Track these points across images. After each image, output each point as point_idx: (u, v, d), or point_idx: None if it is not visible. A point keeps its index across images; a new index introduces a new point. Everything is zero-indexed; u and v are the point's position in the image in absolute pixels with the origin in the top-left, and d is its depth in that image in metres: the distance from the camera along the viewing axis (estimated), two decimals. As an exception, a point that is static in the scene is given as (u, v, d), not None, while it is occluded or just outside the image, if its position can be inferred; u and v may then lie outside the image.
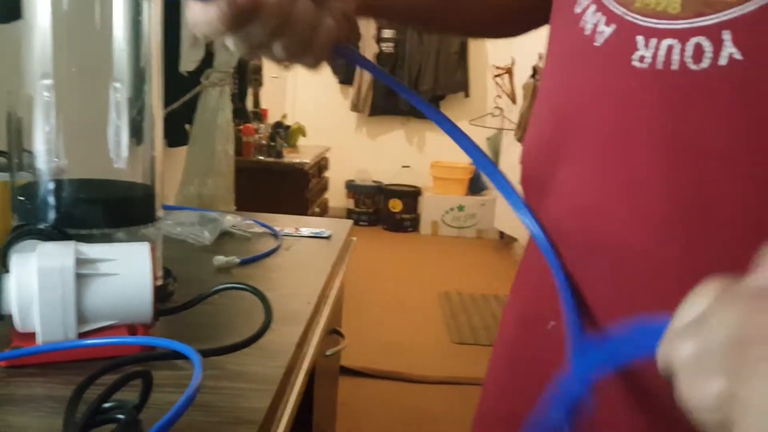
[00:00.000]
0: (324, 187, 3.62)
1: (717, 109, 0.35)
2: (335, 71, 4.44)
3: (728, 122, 0.35)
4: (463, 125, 4.76)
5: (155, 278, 0.52)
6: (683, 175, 0.36)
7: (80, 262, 0.50)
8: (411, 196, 4.47)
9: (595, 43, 0.40)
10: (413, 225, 4.48)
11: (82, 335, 0.50)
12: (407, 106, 4.39)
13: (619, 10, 0.39)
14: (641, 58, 0.37)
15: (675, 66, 0.36)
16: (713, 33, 0.35)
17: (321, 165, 3.45)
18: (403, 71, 4.29)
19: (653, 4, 0.37)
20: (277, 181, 2.88)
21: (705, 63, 0.35)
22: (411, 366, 2.33)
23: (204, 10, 0.38)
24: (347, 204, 4.58)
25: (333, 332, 1.11)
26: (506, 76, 3.88)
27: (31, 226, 0.58)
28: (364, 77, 4.32)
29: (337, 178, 4.18)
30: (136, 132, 0.69)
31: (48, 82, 0.64)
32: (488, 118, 4.25)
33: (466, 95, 4.40)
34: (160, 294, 0.64)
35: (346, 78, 4.44)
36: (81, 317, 0.50)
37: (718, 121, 0.35)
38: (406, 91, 0.49)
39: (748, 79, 0.34)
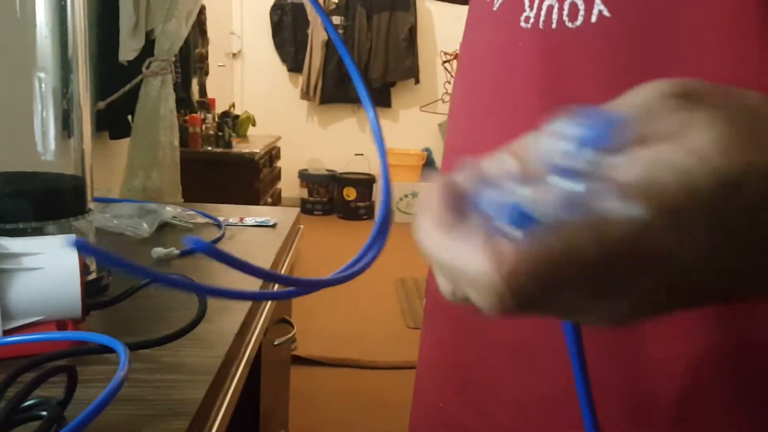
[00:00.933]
0: (276, 177, 3.58)
1: (589, 64, 0.37)
2: (283, 59, 4.39)
3: (600, 76, 0.37)
4: (414, 111, 4.82)
5: (86, 272, 0.51)
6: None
7: (2, 257, 0.48)
8: (365, 184, 4.47)
9: (493, 8, 0.43)
10: (368, 213, 4.48)
11: (8, 332, 0.49)
12: (357, 94, 4.37)
13: None
14: (527, 19, 0.40)
15: (554, 25, 0.38)
16: None
17: (272, 154, 3.40)
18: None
19: None
20: (226, 172, 2.83)
21: (579, 21, 0.37)
22: (366, 353, 2.35)
23: None
24: (301, 193, 4.55)
25: (282, 321, 1.11)
26: (455, 62, 3.90)
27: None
28: (313, 64, 4.28)
29: (289, 167, 4.14)
30: (65, 123, 0.66)
31: None
32: (439, 104, 4.28)
33: (417, 82, 4.41)
34: (94, 288, 0.62)
35: (295, 65, 4.39)
36: (5, 314, 0.48)
37: (591, 75, 0.37)
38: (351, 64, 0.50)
39: (615, 34, 0.36)
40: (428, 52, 4.39)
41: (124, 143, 2.08)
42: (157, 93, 1.95)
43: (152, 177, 2.00)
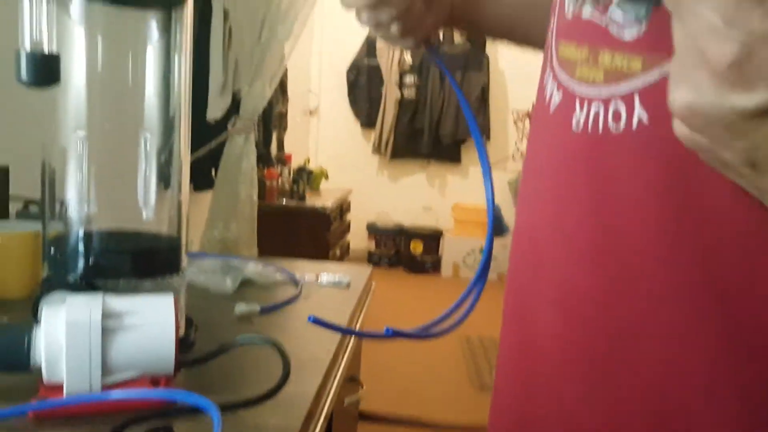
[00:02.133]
0: (345, 230, 3.65)
1: (632, 169, 0.40)
2: (357, 115, 4.53)
3: (641, 180, 0.39)
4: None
5: (178, 330, 0.54)
6: (604, 221, 0.42)
7: (106, 315, 0.52)
8: (432, 238, 4.47)
9: (549, 112, 0.46)
10: (434, 267, 4.46)
11: (106, 387, 0.52)
12: (428, 149, 4.44)
13: (565, 77, 0.45)
14: (577, 123, 0.43)
15: (600, 130, 0.41)
16: (627, 98, 0.40)
17: (343, 208, 3.48)
18: (424, 115, 4.36)
19: (586, 74, 0.43)
20: (299, 225, 2.91)
21: (621, 127, 0.40)
22: (431, 412, 2.30)
23: None
24: (368, 245, 4.60)
25: (351, 380, 1.11)
26: (526, 120, 3.91)
27: (61, 277, 0.60)
28: (386, 121, 4.40)
29: (358, 219, 4.21)
30: (164, 179, 0.71)
31: (81, 134, 0.66)
32: (509, 161, 4.27)
33: (487, 138, 4.44)
34: (182, 344, 0.65)
35: (368, 121, 4.51)
36: (106, 369, 0.51)
37: (633, 180, 0.40)
38: (465, 104, 0.64)
39: (652, 143, 0.39)
40: (500, 110, 4.42)
41: (206, 196, 2.19)
42: (240, 150, 2.06)
43: (231, 228, 2.09)
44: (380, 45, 4.32)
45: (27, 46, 0.48)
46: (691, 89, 0.28)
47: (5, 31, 0.79)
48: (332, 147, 4.52)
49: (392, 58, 4.29)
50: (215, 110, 2.07)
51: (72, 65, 0.62)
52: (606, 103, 0.41)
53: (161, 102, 0.71)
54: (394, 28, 0.60)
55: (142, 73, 0.69)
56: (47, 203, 0.70)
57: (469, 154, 4.51)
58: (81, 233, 0.65)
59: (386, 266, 4.49)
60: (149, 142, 0.71)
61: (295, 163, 3.44)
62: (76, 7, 0.60)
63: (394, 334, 0.52)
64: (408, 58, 4.33)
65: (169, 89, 0.71)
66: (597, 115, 0.42)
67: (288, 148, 3.46)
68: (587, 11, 0.43)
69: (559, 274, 0.45)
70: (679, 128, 0.30)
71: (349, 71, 4.48)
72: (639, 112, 0.39)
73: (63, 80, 0.63)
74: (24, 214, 0.99)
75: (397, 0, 0.59)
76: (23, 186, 0.96)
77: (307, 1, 1.98)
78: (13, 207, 0.97)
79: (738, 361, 0.37)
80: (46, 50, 0.49)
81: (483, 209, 4.42)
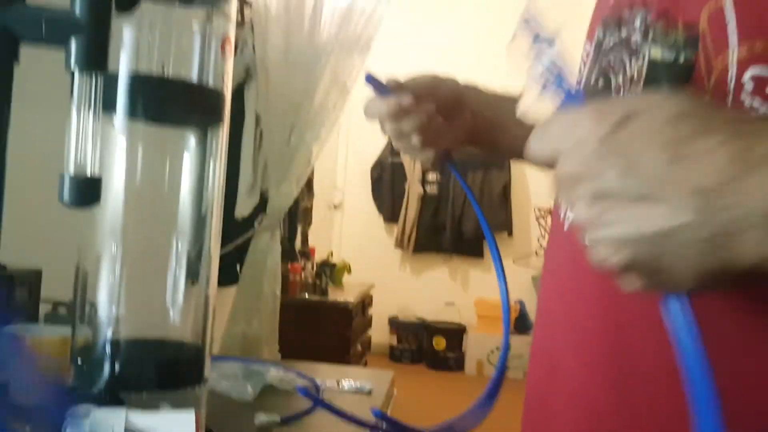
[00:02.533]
0: (367, 324, 3.61)
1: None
2: (380, 210, 4.61)
3: (647, 300, 0.40)
4: (507, 264, 4.75)
5: (197, 449, 0.53)
6: (613, 337, 0.45)
7: (129, 432, 0.52)
8: (455, 334, 4.39)
9: (564, 228, 0.50)
10: (457, 364, 4.35)
11: (123, 508, 0.51)
12: (450, 244, 4.46)
13: None
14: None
15: None
16: None
17: (365, 302, 3.46)
18: (446, 211, 4.41)
19: None
20: (320, 320, 2.89)
21: None
22: None
23: (379, 103, 0.61)
24: (390, 340, 4.52)
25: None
26: (548, 216, 3.93)
27: (86, 389, 0.61)
28: (408, 216, 4.46)
29: (380, 314, 4.18)
30: (193, 279, 0.72)
31: (116, 238, 0.69)
32: (532, 257, 4.25)
33: (509, 234, 4.45)
34: (201, 460, 0.64)
35: (391, 216, 4.58)
36: (124, 489, 0.51)
37: (639, 299, 0.41)
38: (478, 210, 0.71)
39: None
40: (522, 206, 4.46)
41: (230, 290, 2.21)
42: (266, 246, 2.10)
43: (253, 325, 2.09)
44: (404, 143, 4.46)
45: (71, 168, 0.51)
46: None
47: (43, 135, 0.84)
48: (355, 241, 4.57)
49: (415, 155, 4.41)
50: (243, 208, 2.13)
51: (110, 176, 0.66)
52: None
53: (195, 205, 0.73)
54: (415, 140, 0.62)
55: (178, 179, 0.72)
56: (78, 307, 0.71)
57: (492, 249, 4.51)
58: (108, 340, 0.66)
59: (408, 362, 4.39)
60: (181, 244, 0.73)
61: (319, 256, 3.48)
62: (119, 121, 0.65)
63: None
64: (431, 155, 4.44)
65: (202, 193, 0.73)
66: None
67: (312, 242, 3.50)
68: None
69: (572, 377, 0.48)
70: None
71: (374, 168, 4.61)
72: None
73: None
74: (53, 316, 1.01)
75: (418, 113, 0.61)
76: (51, 288, 0.98)
77: (335, 108, 2.08)
78: (42, 308, 0.99)
79: None
80: (88, 173, 0.51)
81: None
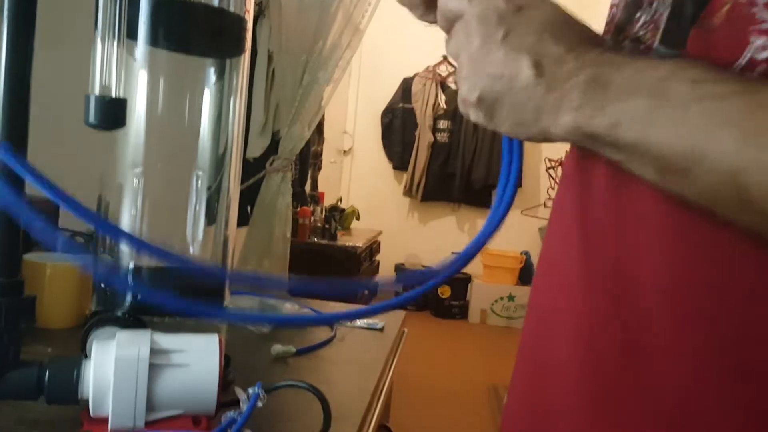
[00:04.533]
0: (375, 271, 3.64)
1: (645, 207, 0.43)
2: (390, 157, 4.58)
3: (654, 220, 0.43)
4: (515, 214, 4.78)
5: (221, 372, 0.54)
6: (621, 260, 0.45)
7: (154, 352, 0.53)
8: (460, 282, 4.43)
9: (578, 158, 0.50)
10: (461, 312, 4.41)
11: (149, 424, 0.52)
12: (459, 194, 4.45)
13: None
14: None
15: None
16: None
17: (373, 248, 3.49)
18: (457, 160, 4.38)
19: None
20: (329, 264, 2.92)
21: None
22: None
23: None
24: (396, 287, 4.57)
25: (382, 428, 1.10)
26: (559, 168, 3.90)
27: (110, 313, 0.62)
28: (418, 164, 4.43)
29: (387, 261, 4.21)
30: (212, 216, 0.73)
31: (138, 170, 0.69)
32: (541, 208, 4.25)
33: (519, 185, 4.42)
34: (223, 384, 0.66)
35: (400, 164, 4.56)
36: (150, 406, 0.52)
37: (647, 218, 0.43)
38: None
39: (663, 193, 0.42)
40: (533, 157, 4.42)
41: (240, 231, 2.22)
42: (277, 188, 2.10)
43: (264, 265, 2.11)
44: (415, 90, 4.39)
45: (96, 90, 0.50)
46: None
47: (65, 68, 0.83)
48: (364, 187, 4.57)
49: (426, 102, 4.35)
50: (255, 149, 2.12)
51: (133, 106, 0.65)
52: None
53: (215, 140, 0.73)
54: None
55: (198, 114, 0.72)
56: (99, 237, 0.71)
57: (501, 199, 4.49)
58: (130, 268, 0.67)
59: (413, 309, 4.46)
60: (201, 179, 0.72)
61: (328, 201, 3.48)
62: (140, 51, 0.63)
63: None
64: (442, 103, 4.38)
65: (221, 129, 0.73)
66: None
67: (321, 187, 3.50)
68: None
69: (577, 303, 0.48)
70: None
71: (384, 114, 4.55)
72: None
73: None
74: (69, 245, 1.02)
75: None
76: (69, 219, 0.99)
77: (349, 48, 2.04)
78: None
79: (746, 393, 0.39)
80: (113, 94, 0.51)
81: (513, 256, 4.39)
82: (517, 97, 0.40)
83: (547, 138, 0.41)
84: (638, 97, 0.37)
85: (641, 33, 0.46)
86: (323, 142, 3.39)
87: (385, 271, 4.23)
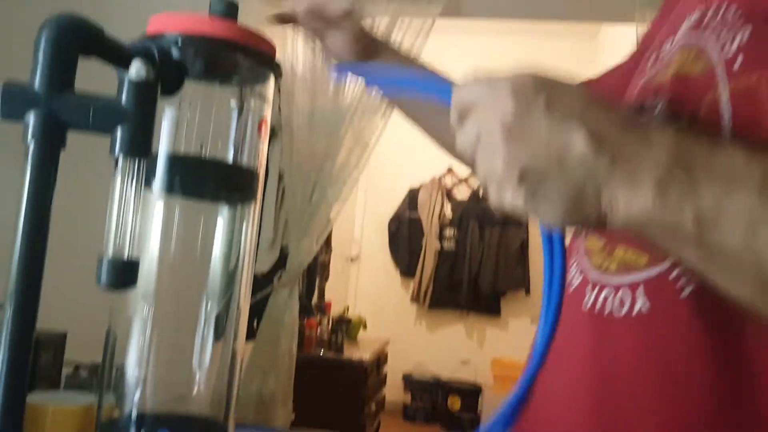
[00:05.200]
0: (382, 382, 3.54)
1: (626, 351, 0.46)
2: (397, 264, 4.59)
3: (633, 362, 0.46)
4: (524, 323, 4.67)
5: None
6: (600, 397, 0.48)
7: None
8: (471, 394, 4.29)
9: (569, 291, 0.53)
10: (473, 426, 4.23)
11: None
12: (467, 301, 4.41)
13: (586, 264, 0.53)
14: (586, 303, 0.50)
15: (606, 311, 0.48)
16: (633, 288, 0.47)
17: (380, 360, 3.41)
18: (464, 267, 4.39)
19: (601, 262, 0.50)
20: (335, 378, 2.85)
21: (624, 311, 0.46)
22: None
23: None
24: (404, 398, 4.42)
25: None
26: (568, 275, 3.88)
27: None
28: (425, 270, 4.43)
29: (395, 369, 4.10)
30: (220, 331, 0.71)
31: (148, 301, 0.68)
32: (550, 316, 4.18)
33: (527, 293, 4.40)
34: None
35: (408, 270, 4.56)
36: None
37: (625, 359, 0.46)
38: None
39: (649, 330, 0.45)
40: (540, 264, 4.40)
41: (246, 346, 2.19)
42: (284, 303, 2.10)
43: (268, 382, 2.07)
44: (422, 199, 4.48)
45: (110, 252, 0.51)
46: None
47: (71, 203, 0.85)
48: (372, 294, 4.54)
49: (433, 211, 4.43)
50: (263, 264, 2.14)
51: (145, 241, 0.66)
52: (616, 290, 0.48)
53: (225, 263, 0.73)
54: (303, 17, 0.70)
55: (210, 247, 0.73)
56: (106, 373, 0.70)
57: (509, 306, 4.45)
58: (135, 405, 0.65)
59: (422, 422, 4.28)
60: (211, 301, 0.72)
61: (335, 310, 3.45)
62: (155, 195, 0.65)
63: None
64: (448, 212, 4.46)
65: (233, 251, 0.73)
66: (606, 299, 0.48)
67: (328, 296, 3.49)
68: None
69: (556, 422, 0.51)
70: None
71: (391, 222, 4.62)
72: (641, 301, 0.46)
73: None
74: (74, 379, 1.01)
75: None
76: (74, 351, 0.98)
77: (357, 167, 2.11)
78: (64, 370, 0.99)
79: None
80: (126, 255, 0.52)
81: (523, 365, 4.25)
82: (571, 172, 0.34)
83: (604, 223, 0.36)
84: (738, 191, 0.32)
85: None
86: (330, 252, 3.42)
87: (393, 383, 4.12)
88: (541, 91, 0.36)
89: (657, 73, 0.50)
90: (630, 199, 0.34)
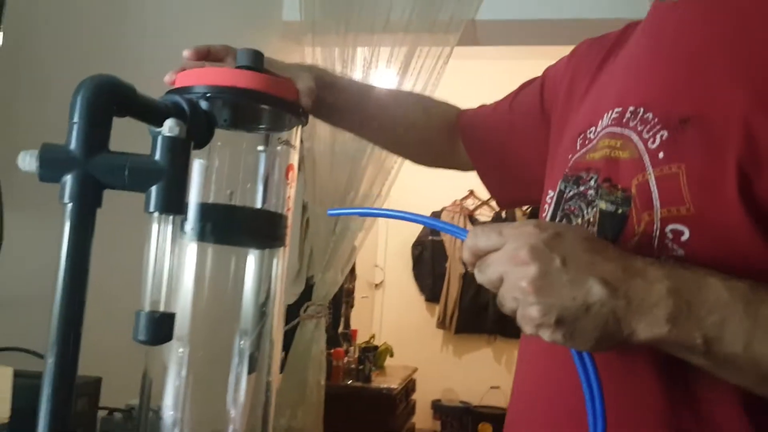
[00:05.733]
0: (411, 411, 3.50)
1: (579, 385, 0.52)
2: (421, 289, 4.56)
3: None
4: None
5: None
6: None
7: None
8: (502, 419, 4.18)
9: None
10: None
11: None
12: (493, 325, 4.35)
13: None
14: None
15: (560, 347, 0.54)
16: None
17: (408, 388, 3.38)
18: (488, 292, 4.32)
19: None
20: (364, 407, 2.82)
21: None
22: None
23: None
24: (434, 426, 4.36)
25: None
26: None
27: None
28: (450, 295, 4.40)
29: (423, 396, 4.05)
30: (253, 364, 0.70)
31: (183, 343, 0.68)
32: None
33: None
34: None
35: (432, 296, 4.53)
36: None
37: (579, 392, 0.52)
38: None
39: (605, 367, 0.51)
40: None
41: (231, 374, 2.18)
42: (311, 335, 2.09)
43: (298, 416, 2.05)
44: (444, 222, 4.47)
45: (146, 306, 0.52)
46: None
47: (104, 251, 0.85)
48: (397, 320, 4.51)
49: (456, 234, 4.41)
50: (289, 297, 2.14)
51: (180, 281, 0.67)
52: None
53: (256, 298, 0.73)
54: None
55: (242, 282, 0.73)
56: (143, 416, 0.70)
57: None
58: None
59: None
60: (244, 343, 0.72)
61: (361, 338, 3.43)
62: (186, 243, 0.66)
63: None
64: (472, 235, 4.43)
65: (262, 285, 0.73)
66: None
67: (353, 324, 3.47)
68: None
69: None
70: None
71: (414, 246, 4.61)
72: None
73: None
74: (108, 423, 1.01)
75: None
76: (109, 397, 0.99)
77: (380, 196, 2.12)
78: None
79: None
80: (161, 308, 0.52)
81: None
82: (597, 315, 0.44)
83: (629, 344, 0.46)
84: (731, 315, 0.44)
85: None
86: (355, 279, 3.41)
87: (422, 408, 4.06)
88: (554, 251, 0.45)
89: (587, 152, 0.63)
90: (648, 329, 0.44)
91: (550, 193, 0.68)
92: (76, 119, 0.46)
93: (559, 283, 0.45)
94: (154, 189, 0.49)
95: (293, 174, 0.70)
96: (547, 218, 0.67)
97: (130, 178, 0.49)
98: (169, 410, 0.66)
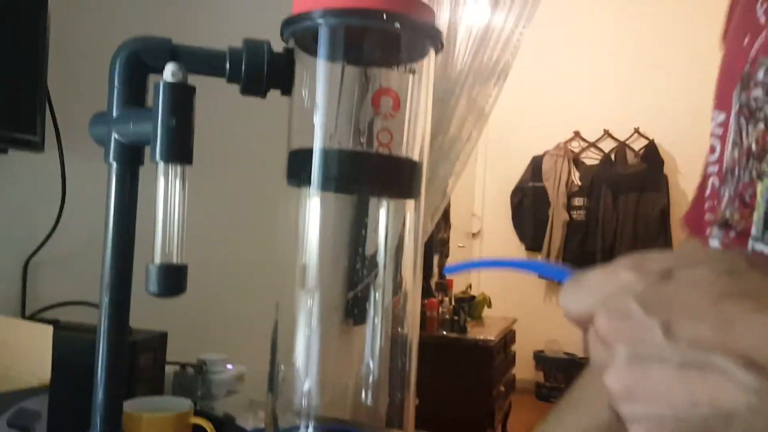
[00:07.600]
0: (510, 362, 3.40)
1: None
2: (521, 238, 4.38)
3: None
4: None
5: None
6: None
7: None
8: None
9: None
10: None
11: None
12: (602, 274, 4.10)
13: None
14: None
15: None
16: None
17: (507, 339, 3.26)
18: (596, 239, 4.08)
19: None
20: (460, 359, 2.75)
21: None
22: None
23: None
24: (536, 377, 4.24)
25: None
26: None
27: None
28: (553, 244, 4.18)
29: (524, 347, 3.93)
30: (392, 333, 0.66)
31: (311, 294, 0.64)
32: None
33: (671, 263, 4.00)
34: None
35: (533, 244, 4.33)
36: None
37: None
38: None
39: None
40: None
41: (359, 329, 2.15)
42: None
43: (388, 368, 2.01)
44: (546, 168, 4.22)
45: (158, 258, 0.46)
46: None
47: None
48: (496, 271, 4.37)
49: (559, 180, 4.15)
50: (374, 245, 2.08)
51: (307, 233, 0.61)
52: None
53: (392, 259, 0.68)
54: None
55: (375, 233, 0.67)
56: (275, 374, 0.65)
57: (650, 279, 4.08)
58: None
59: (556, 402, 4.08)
60: (378, 297, 0.67)
61: (457, 288, 3.34)
62: (314, 188, 0.60)
63: None
64: (576, 180, 4.15)
65: (396, 245, 0.67)
66: None
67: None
68: None
69: None
70: None
71: (514, 194, 4.40)
72: None
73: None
74: (181, 378, 0.99)
75: None
76: (175, 352, 0.96)
77: (470, 139, 1.96)
78: (169, 368, 0.97)
79: None
80: (174, 260, 0.46)
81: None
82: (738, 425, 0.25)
83: None
84: None
85: (727, 213, 0.43)
86: (450, 228, 3.30)
87: (523, 361, 3.94)
88: (652, 311, 0.27)
89: None
90: None
91: (719, 118, 0.50)
92: (115, 82, 0.46)
93: (663, 374, 0.26)
94: (158, 138, 0.44)
95: (427, 114, 0.59)
96: (728, 147, 0.46)
97: (143, 135, 0.44)
98: (301, 365, 0.62)
